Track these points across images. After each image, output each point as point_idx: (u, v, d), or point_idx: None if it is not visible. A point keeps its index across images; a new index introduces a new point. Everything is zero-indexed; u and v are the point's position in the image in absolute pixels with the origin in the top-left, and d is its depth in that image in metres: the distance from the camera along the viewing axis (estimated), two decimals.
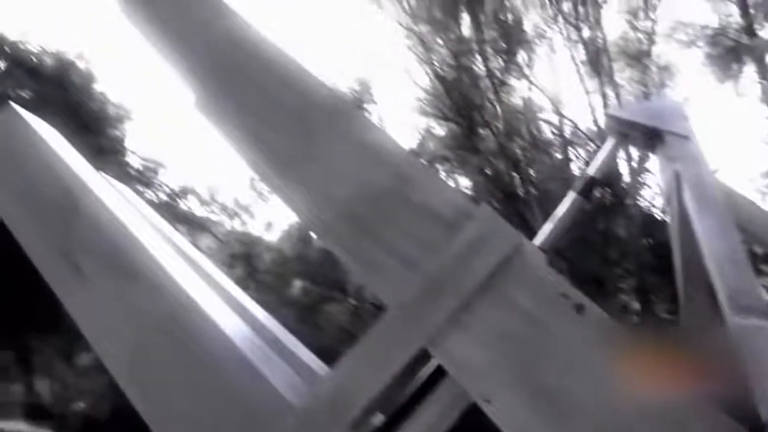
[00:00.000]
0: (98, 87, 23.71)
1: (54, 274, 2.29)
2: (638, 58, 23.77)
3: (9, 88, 20.05)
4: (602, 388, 1.92)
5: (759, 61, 22.42)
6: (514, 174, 23.93)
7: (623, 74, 24.21)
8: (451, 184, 24.82)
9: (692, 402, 1.93)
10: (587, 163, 23.72)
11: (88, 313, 2.25)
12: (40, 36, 22.71)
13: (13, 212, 2.36)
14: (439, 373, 2.19)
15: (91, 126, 21.29)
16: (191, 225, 28.38)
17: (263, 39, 2.29)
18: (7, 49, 21.68)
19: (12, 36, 21.91)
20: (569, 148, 25.28)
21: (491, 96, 24.52)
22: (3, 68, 21.55)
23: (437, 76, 24.98)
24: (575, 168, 24.89)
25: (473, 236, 2.00)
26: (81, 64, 23.33)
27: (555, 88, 25.25)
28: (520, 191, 23.79)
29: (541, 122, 25.60)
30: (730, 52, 22.85)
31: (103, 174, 3.12)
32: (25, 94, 20.17)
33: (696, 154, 3.10)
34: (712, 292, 2.70)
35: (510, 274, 1.98)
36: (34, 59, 22.11)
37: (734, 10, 23.08)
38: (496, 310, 1.98)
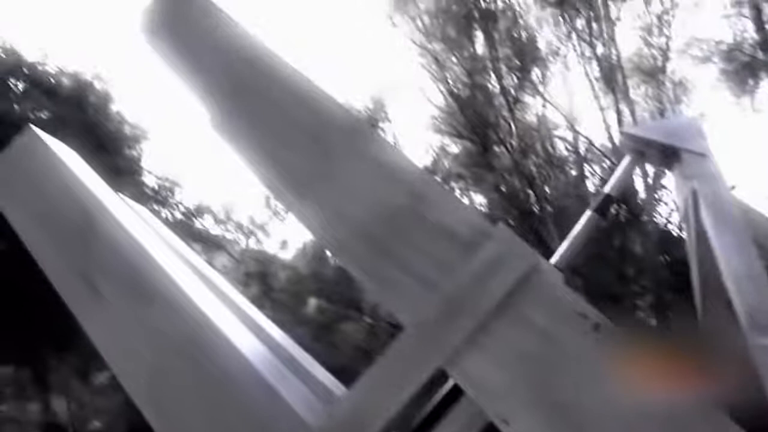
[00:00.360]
0: (115, 107, 23.93)
1: (72, 294, 2.30)
2: (653, 74, 23.73)
3: (28, 110, 20.25)
4: (620, 406, 1.91)
5: None
6: (529, 191, 23.90)
7: (638, 90, 24.18)
8: (466, 201, 24.81)
9: (710, 418, 1.91)
10: (602, 180, 23.66)
11: (106, 333, 2.26)
12: (58, 56, 22.97)
13: (33, 233, 2.38)
14: (456, 392, 2.19)
15: (108, 146, 21.46)
16: (206, 243, 28.48)
17: (278, 58, 2.31)
18: (25, 70, 21.92)
19: (30, 57, 22.18)
20: (584, 164, 25.25)
21: (505, 113, 24.55)
22: (21, 89, 21.78)
23: (451, 93, 25.06)
24: (590, 184, 24.86)
25: (490, 256, 2.00)
26: (98, 85, 23.56)
27: (569, 104, 25.23)
28: (535, 208, 23.74)
29: (555, 139, 25.60)
30: (745, 67, 22.78)
31: (121, 195, 3.14)
32: (43, 115, 20.36)
33: (713, 172, 3.09)
34: (730, 310, 2.68)
35: (527, 294, 1.97)
36: (52, 80, 22.34)
37: (749, 26, 23.05)
38: (513, 330, 1.97)
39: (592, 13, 23.82)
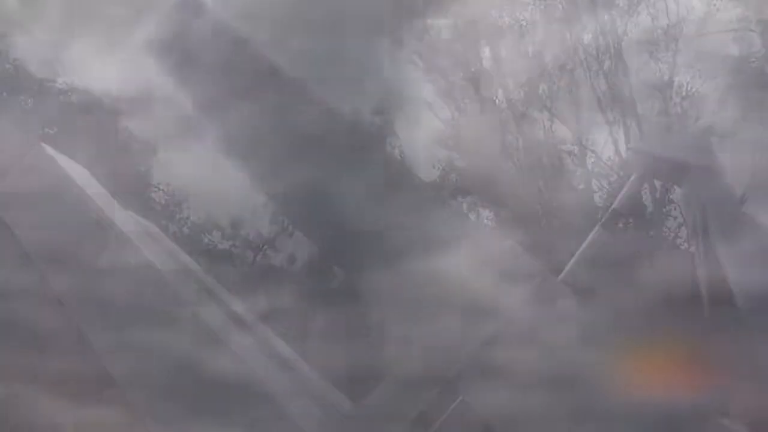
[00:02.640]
0: (124, 122, 23.95)
1: (83, 314, 2.31)
2: (660, 88, 23.68)
3: (38, 126, 20.30)
4: (632, 426, 1.90)
5: None
6: (537, 206, 23.84)
7: (645, 105, 24.12)
8: (473, 216, 24.79)
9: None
10: (610, 195, 23.59)
11: (116, 352, 2.27)
12: (67, 72, 22.98)
13: (43, 251, 2.39)
14: (465, 409, 2.18)
15: (117, 161, 21.47)
16: (214, 259, 28.42)
17: (287, 73, 2.32)
18: (34, 86, 21.99)
19: (39, 73, 22.23)
20: (592, 179, 25.20)
21: (512, 128, 24.53)
22: (31, 105, 21.85)
23: (458, 108, 25.06)
24: (598, 199, 24.80)
25: (499, 273, 2.00)
26: (107, 100, 23.59)
27: (576, 119, 25.17)
28: (543, 223, 23.67)
29: (562, 154, 25.53)
30: (753, 81, 22.73)
31: (129, 211, 3.15)
32: (52, 131, 20.40)
33: (722, 187, 3.08)
34: (740, 325, 2.67)
35: (534, 310, 1.97)
36: (62, 96, 22.39)
37: (756, 40, 23.03)
38: (521, 347, 1.96)
39: (598, 27, 23.82)
